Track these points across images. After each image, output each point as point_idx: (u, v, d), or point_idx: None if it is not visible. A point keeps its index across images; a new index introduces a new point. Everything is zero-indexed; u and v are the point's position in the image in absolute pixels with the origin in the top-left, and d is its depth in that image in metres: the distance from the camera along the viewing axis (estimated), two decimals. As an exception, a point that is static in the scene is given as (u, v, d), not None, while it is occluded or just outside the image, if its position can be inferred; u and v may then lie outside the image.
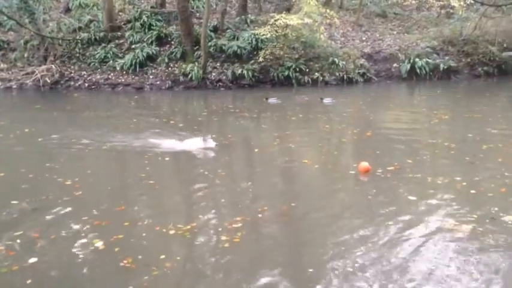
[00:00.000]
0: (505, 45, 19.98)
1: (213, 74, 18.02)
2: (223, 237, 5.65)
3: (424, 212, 6.42)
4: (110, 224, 6.03)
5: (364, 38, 20.59)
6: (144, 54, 18.00)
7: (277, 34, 17.73)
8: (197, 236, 5.74)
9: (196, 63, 17.81)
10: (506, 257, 5.22)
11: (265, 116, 13.58)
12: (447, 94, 17.30)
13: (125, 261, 5.04)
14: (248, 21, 19.71)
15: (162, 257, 5.16)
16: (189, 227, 5.92)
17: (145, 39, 18.63)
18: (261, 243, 5.73)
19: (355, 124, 12.16)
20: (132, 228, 5.94)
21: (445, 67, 18.98)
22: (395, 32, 21.30)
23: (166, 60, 18.23)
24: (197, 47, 18.11)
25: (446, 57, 19.48)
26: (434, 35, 20.37)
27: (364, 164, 7.97)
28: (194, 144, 9.42)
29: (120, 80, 17.87)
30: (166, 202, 7.13)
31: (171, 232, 5.77)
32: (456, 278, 4.79)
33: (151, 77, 18.00)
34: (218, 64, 18.27)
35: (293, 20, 17.43)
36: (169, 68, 18.14)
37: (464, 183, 7.43)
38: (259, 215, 6.33)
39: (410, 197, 6.93)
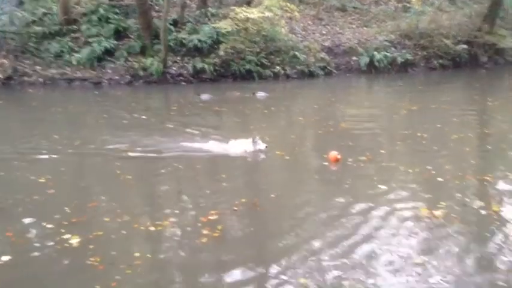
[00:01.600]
0: (459, 38, 20.58)
1: (174, 68, 17.74)
2: (199, 233, 5.56)
3: (394, 200, 6.54)
4: (89, 221, 5.90)
5: (324, 32, 20.75)
6: (102, 48, 17.46)
7: (238, 28, 17.62)
8: (171, 232, 5.65)
9: (156, 58, 17.45)
10: (476, 242, 5.44)
11: (252, 108, 13.47)
12: (409, 86, 17.74)
13: (92, 259, 4.89)
14: (208, 14, 19.49)
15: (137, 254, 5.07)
16: (166, 223, 5.83)
17: (102, 33, 18.06)
18: (238, 237, 5.70)
19: (327, 117, 12.22)
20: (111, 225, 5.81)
21: (402, 60, 19.40)
22: (354, 26, 21.58)
23: (125, 54, 17.75)
24: (157, 40, 17.73)
25: (404, 51, 19.91)
26: (391, 29, 20.78)
27: (334, 153, 8.05)
28: (241, 146, 8.57)
29: (77, 75, 17.27)
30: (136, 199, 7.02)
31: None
32: (428, 264, 4.88)
33: (109, 71, 17.53)
34: (179, 58, 17.98)
35: (254, 13, 17.38)
36: (128, 63, 17.68)
37: (434, 172, 7.59)
38: (235, 208, 6.28)
39: (381, 186, 7.03)
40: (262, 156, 8.55)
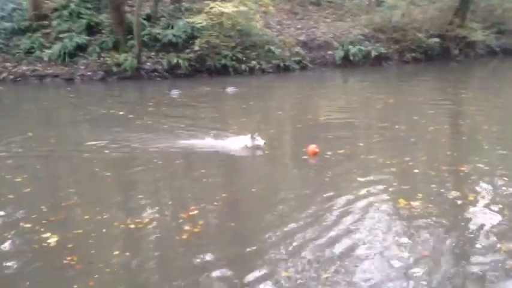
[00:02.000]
0: (431, 31, 20.87)
1: (148, 63, 17.53)
2: (180, 229, 5.51)
3: (373, 193, 6.57)
4: (69, 219, 5.78)
5: (299, 26, 20.79)
6: (74, 44, 17.15)
7: (212, 22, 17.52)
8: (151, 229, 5.56)
9: (130, 53, 17.22)
10: (452, 230, 5.50)
11: (226, 104, 13.35)
12: (384, 79, 17.94)
13: (69, 258, 4.79)
14: (183, 9, 19.34)
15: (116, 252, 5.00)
16: (147, 220, 5.74)
17: (74, 28, 17.75)
18: (219, 233, 5.67)
19: (305, 111, 12.23)
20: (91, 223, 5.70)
21: (377, 54, 19.57)
22: (329, 20, 21.68)
23: (97, 50, 17.46)
24: (130, 36, 17.47)
25: (377, 44, 20.09)
26: (365, 23, 20.93)
27: (312, 147, 8.07)
28: (240, 142, 8.54)
29: (48, 71, 16.93)
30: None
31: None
32: (406, 253, 4.95)
33: (82, 67, 17.22)
34: (153, 53, 17.78)
35: (228, 7, 17.27)
36: (101, 58, 17.40)
37: (411, 163, 7.68)
38: (216, 203, 6.24)
39: (360, 178, 7.08)
40: (260, 152, 8.48)
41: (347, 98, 14.74)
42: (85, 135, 9.45)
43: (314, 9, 22.52)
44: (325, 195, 6.49)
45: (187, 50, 17.68)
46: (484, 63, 21.10)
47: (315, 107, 12.85)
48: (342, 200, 6.30)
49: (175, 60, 17.29)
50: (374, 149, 8.71)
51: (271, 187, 7.05)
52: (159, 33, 17.79)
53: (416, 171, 7.41)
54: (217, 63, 17.69)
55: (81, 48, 17.39)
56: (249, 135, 8.49)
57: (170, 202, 6.50)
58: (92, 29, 18.03)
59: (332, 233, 5.38)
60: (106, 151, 8.54)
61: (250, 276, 4.56)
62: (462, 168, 7.53)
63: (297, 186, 7.15)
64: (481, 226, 5.57)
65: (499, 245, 5.09)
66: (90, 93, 15.80)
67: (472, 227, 5.59)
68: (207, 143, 8.76)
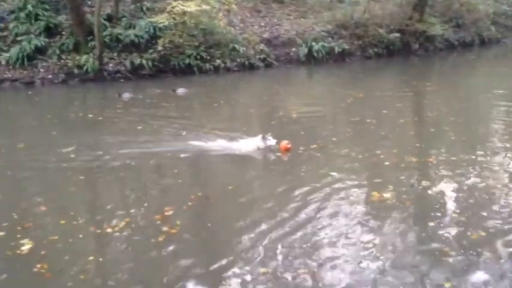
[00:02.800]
0: (391, 27, 21.19)
1: (110, 64, 17.14)
2: (156, 230, 5.44)
3: (347, 186, 6.68)
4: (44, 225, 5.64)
5: (262, 24, 20.78)
6: (32, 47, 16.59)
7: (175, 21, 17.29)
8: (127, 232, 5.47)
9: (92, 54, 16.80)
10: (422, 219, 5.70)
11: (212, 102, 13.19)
12: (349, 75, 18.16)
13: (38, 266, 4.65)
14: (144, 8, 19.00)
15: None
16: (123, 223, 5.64)
17: (32, 31, 17.20)
18: (195, 233, 5.62)
19: (277, 108, 12.25)
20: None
21: (340, 50, 19.74)
22: (292, 17, 21.73)
23: (57, 52, 16.94)
24: (91, 37, 17.04)
25: (340, 40, 20.25)
26: (328, 19, 21.08)
27: (284, 143, 8.09)
28: (252, 144, 8.32)
29: (6, 75, 16.31)
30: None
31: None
32: (377, 243, 5.08)
33: (42, 70, 16.69)
34: (115, 54, 17.40)
35: (190, 6, 17.06)
36: (62, 61, 16.89)
37: (382, 156, 7.81)
38: (190, 203, 6.19)
39: (333, 173, 7.16)
40: (272, 152, 8.26)
41: (316, 94, 14.86)
42: (57, 139, 9.22)
43: (277, 7, 22.53)
44: (299, 191, 6.53)
45: (151, 50, 17.41)
46: (443, 56, 21.63)
47: (286, 104, 12.88)
48: (316, 195, 6.37)
49: (138, 61, 17.00)
50: (346, 143, 8.81)
51: (245, 185, 7.05)
52: (120, 34, 17.45)
53: (387, 163, 7.54)
54: (182, 63, 17.48)
55: (40, 50, 16.85)
56: (260, 136, 8.27)
57: (145, 204, 6.38)
58: (51, 31, 17.48)
59: (307, 228, 5.48)
60: (78, 156, 8.30)
61: (231, 275, 4.53)
62: (430, 159, 7.73)
63: (271, 183, 7.16)
64: (449, 213, 5.80)
65: (468, 232, 5.24)
66: (53, 97, 15.36)
67: (440, 214, 5.81)
68: (219, 145, 8.45)
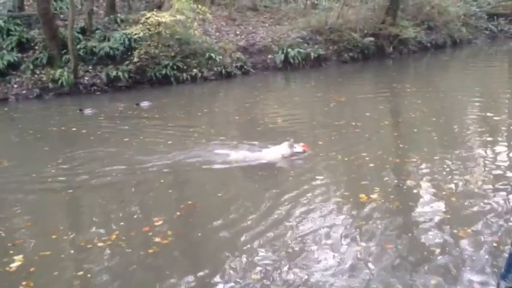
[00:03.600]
0: (365, 31, 21.45)
1: (86, 78, 16.89)
2: (148, 242, 5.35)
3: (334, 190, 6.70)
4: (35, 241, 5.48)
5: (238, 32, 20.82)
6: (5, 62, 16.24)
7: (150, 32, 17.15)
8: (118, 246, 5.37)
9: (66, 68, 16.54)
10: (410, 217, 5.79)
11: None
12: (328, 79, 18.24)
13: (24, 283, 4.53)
14: (118, 20, 18.83)
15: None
16: (114, 236, 5.53)
17: (4, 46, 16.88)
18: (186, 242, 5.59)
19: (261, 115, 12.19)
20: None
21: (316, 55, 19.84)
22: (267, 25, 21.83)
23: (31, 67, 16.61)
24: (65, 50, 16.78)
25: (316, 46, 20.37)
26: (303, 25, 21.21)
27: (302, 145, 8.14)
28: (279, 152, 8.04)
29: (-22, 92, 16.01)
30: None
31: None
32: (366, 245, 5.08)
33: (15, 86, 16.34)
34: (90, 67, 17.16)
35: (165, 17, 16.98)
36: (36, 75, 16.58)
37: (368, 158, 7.86)
38: (178, 213, 6.14)
39: (320, 177, 7.20)
40: (300, 159, 8.08)
41: (298, 99, 14.87)
42: (46, 154, 9.05)
43: (252, 15, 22.64)
44: (287, 197, 6.53)
45: (127, 62, 17.22)
46: (417, 58, 21.96)
47: (269, 111, 12.86)
48: (304, 200, 6.40)
49: (114, 73, 16.78)
50: (333, 147, 8.81)
51: (234, 192, 7.02)
52: (95, 46, 17.23)
53: (372, 165, 7.59)
54: (158, 74, 17.33)
55: (13, 66, 16.50)
56: (286, 143, 8.05)
57: (135, 216, 6.30)
58: (23, 46, 17.17)
59: (297, 233, 5.48)
60: (66, 170, 8.14)
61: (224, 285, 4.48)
62: (414, 160, 7.80)
63: (259, 189, 7.13)
64: (436, 210, 5.90)
65: (455, 230, 5.30)
66: (30, 112, 14.95)
67: (426, 211, 5.91)
68: (243, 155, 8.16)
